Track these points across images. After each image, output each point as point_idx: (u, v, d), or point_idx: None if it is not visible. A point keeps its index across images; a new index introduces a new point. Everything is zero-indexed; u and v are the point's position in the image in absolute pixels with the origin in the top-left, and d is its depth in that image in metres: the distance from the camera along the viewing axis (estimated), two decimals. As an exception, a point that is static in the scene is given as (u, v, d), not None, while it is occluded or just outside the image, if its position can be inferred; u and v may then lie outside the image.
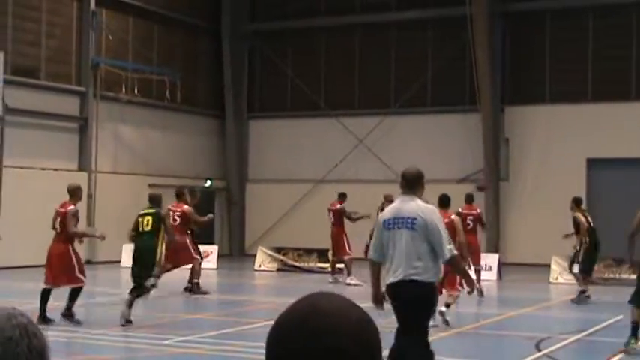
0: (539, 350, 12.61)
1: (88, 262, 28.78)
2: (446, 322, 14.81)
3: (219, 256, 29.20)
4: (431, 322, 13.56)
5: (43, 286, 14.91)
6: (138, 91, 31.23)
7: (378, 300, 8.75)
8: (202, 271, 21.48)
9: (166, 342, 13.20)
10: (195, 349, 12.70)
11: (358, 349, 1.60)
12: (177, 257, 19.18)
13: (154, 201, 15.99)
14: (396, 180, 36.59)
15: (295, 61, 35.59)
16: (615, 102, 30.58)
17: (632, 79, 30.70)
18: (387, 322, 14.29)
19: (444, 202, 15.54)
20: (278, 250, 28.37)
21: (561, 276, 24.11)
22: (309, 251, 27.65)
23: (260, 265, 27.88)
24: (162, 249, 15.39)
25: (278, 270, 27.27)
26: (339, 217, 23.60)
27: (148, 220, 15.39)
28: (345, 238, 23.31)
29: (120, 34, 31.40)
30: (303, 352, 1.59)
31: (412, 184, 8.67)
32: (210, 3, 35.38)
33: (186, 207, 20.33)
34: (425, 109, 33.38)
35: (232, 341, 13.33)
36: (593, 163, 30.92)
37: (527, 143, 31.75)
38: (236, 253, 34.79)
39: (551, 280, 24.35)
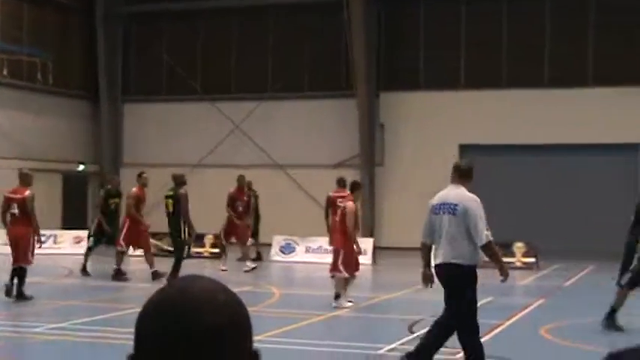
0: (412, 332, 12.81)
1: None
2: (350, 301, 15.37)
3: (93, 241, 28.58)
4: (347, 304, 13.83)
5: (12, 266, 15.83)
6: (7, 73, 30.36)
7: (425, 278, 9.72)
8: (74, 257, 21.08)
9: (37, 330, 12.90)
10: (67, 336, 12.45)
11: (227, 330, 1.59)
12: None
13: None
14: (272, 164, 36.55)
15: (171, 45, 35.19)
16: (487, 89, 31.29)
17: (503, 67, 31.45)
18: (263, 307, 14.25)
19: (351, 187, 16.57)
20: (153, 235, 27.99)
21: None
22: (163, 234, 27.31)
23: (135, 250, 27.44)
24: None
25: (154, 255, 26.89)
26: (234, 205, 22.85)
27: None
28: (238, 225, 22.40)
29: (-12, 13, 30.47)
30: (172, 335, 1.57)
31: (462, 175, 9.43)
32: (83, -17, 34.64)
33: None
34: (301, 94, 33.49)
35: (106, 327, 13.11)
36: (465, 149, 31.57)
37: (401, 129, 32.20)
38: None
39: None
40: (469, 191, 9.32)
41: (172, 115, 34.89)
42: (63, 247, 27.48)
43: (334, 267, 15.55)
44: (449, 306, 9.38)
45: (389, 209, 31.97)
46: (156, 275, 19.47)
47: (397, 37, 32.63)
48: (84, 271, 20.63)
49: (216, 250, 25.77)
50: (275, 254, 26.23)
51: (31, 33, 32.28)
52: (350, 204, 15.89)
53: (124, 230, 20.36)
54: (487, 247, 9.18)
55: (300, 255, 26.09)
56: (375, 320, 15.08)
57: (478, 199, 9.29)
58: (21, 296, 15.69)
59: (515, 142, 30.80)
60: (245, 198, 22.51)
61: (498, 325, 13.55)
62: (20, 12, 32.01)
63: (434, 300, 18.19)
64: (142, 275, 21.25)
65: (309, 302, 16.92)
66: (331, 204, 20.54)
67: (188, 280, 1.67)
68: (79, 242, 27.57)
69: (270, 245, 26.17)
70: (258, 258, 24.26)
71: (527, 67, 31.08)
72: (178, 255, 19.03)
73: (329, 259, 22.18)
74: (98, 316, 14.35)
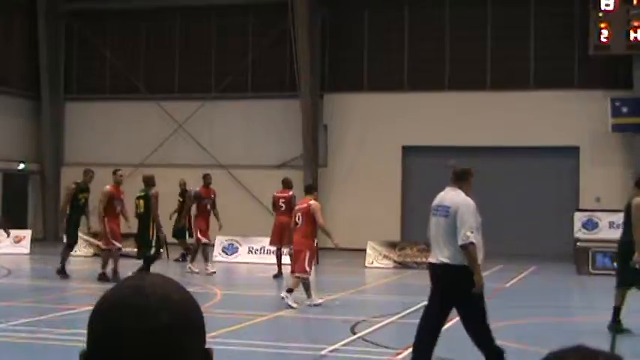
0: (355, 333, 12.90)
1: None
2: (289, 306, 15.18)
3: (33, 240, 28.35)
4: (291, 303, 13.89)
5: None
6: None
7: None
8: (13, 257, 20.84)
9: (-24, 330, 12.74)
10: (9, 337, 12.33)
11: (182, 328, 1.62)
12: None
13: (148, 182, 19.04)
14: (215, 164, 36.48)
15: (114, 43, 34.96)
16: (430, 91, 31.57)
17: (445, 69, 31.75)
18: (206, 307, 14.20)
19: (307, 189, 17.04)
20: (94, 235, 27.79)
21: (377, 260, 24.78)
22: (124, 236, 27.17)
23: (76, 251, 27.23)
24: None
25: (94, 255, 26.74)
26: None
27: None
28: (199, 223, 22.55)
29: None
30: (125, 333, 1.60)
31: (458, 178, 9.63)
32: (25, -21, 34.24)
33: None
34: (245, 95, 33.49)
35: (48, 329, 13.00)
36: (408, 150, 31.82)
37: (345, 130, 32.35)
38: (50, 238, 33.90)
39: (366, 264, 24.95)
40: (467, 192, 9.50)
41: (115, 114, 34.65)
42: (2, 246, 27.12)
43: (300, 268, 15.83)
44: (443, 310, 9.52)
45: (331, 210, 32.00)
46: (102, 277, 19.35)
47: (341, 39, 32.76)
48: (62, 272, 20.07)
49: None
50: (218, 254, 26.19)
51: (-29, 29, 31.85)
52: (314, 202, 16.28)
53: (110, 229, 19.66)
54: (464, 248, 9.23)
55: (242, 255, 26.08)
56: (318, 321, 15.16)
57: (470, 202, 9.39)
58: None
59: (457, 144, 31.08)
60: (212, 195, 22.58)
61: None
62: (-40, 8, 31.58)
63: (377, 301, 18.35)
64: (83, 275, 21.10)
65: (252, 303, 16.94)
66: (274, 204, 20.99)
67: (142, 278, 1.68)
68: (19, 242, 27.29)
69: (212, 245, 26.12)
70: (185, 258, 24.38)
71: (470, 71, 31.42)
72: (147, 254, 19.15)
73: (271, 260, 22.35)
74: (38, 317, 14.22)
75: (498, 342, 9.62)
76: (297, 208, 16.76)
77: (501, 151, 30.93)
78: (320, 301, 16.02)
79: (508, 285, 21.17)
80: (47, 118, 34.56)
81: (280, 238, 20.70)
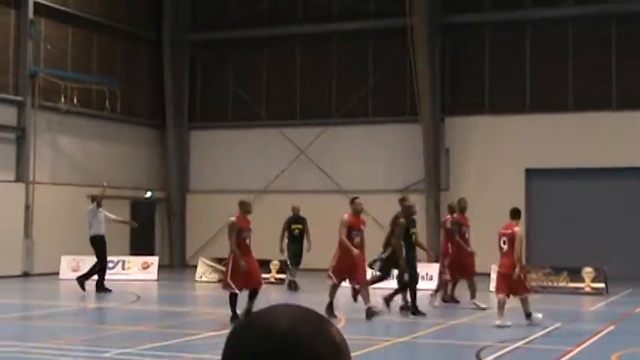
0: (479, 359, 12.67)
1: (26, 274, 28.45)
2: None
3: (160, 267, 28.94)
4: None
5: None
6: (77, 101, 30.89)
7: None
8: (142, 283, 21.24)
9: (106, 355, 13.02)
10: (135, 361, 12.55)
11: (325, 349, 1.60)
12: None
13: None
14: (337, 190, 36.66)
15: (236, 71, 35.51)
16: (553, 113, 31.00)
17: (568, 91, 31.15)
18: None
19: (512, 214, 17.18)
20: (219, 260, 28.19)
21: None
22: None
23: (201, 277, 27.72)
24: None
25: (219, 281, 27.08)
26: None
27: None
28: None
29: (59, 42, 31.02)
30: (269, 354, 1.58)
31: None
32: (151, 12, 35.16)
33: None
34: (366, 120, 33.51)
35: (173, 353, 13.20)
36: (531, 174, 31.29)
37: (467, 153, 32.03)
38: (177, 265, 34.55)
39: (491, 288, 24.50)
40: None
41: (238, 141, 35.14)
42: (131, 272, 27.78)
43: (523, 289, 16.59)
44: None
45: (455, 234, 31.71)
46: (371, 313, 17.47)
47: (461, 61, 32.52)
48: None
49: (283, 276, 25.86)
50: (341, 280, 26.15)
51: (100, 62, 32.82)
52: (518, 229, 16.79)
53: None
54: None
55: (365, 280, 25.95)
56: (442, 347, 14.94)
57: None
58: None
59: (582, 165, 30.40)
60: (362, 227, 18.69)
61: (568, 352, 13.35)
62: (90, 42, 32.58)
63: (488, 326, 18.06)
64: (207, 301, 21.36)
65: (377, 328, 16.84)
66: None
67: (289, 306, 1.67)
68: (146, 268, 27.88)
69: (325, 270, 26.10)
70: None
71: (594, 90, 30.72)
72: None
73: (390, 284, 22.13)
74: (165, 342, 14.45)
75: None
76: (501, 232, 16.98)
77: (629, 171, 30.05)
78: (509, 323, 16.22)
79: (638, 310, 20.48)
80: (172, 146, 35.29)
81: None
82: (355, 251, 17.52)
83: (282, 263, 25.81)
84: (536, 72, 31.51)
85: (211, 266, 27.85)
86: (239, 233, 16.87)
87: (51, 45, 30.47)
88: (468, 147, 32.00)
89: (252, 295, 16.69)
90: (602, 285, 23.96)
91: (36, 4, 29.61)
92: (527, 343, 14.54)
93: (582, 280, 23.84)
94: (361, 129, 33.48)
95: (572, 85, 31.08)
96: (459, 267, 20.24)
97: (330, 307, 17.36)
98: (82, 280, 22.88)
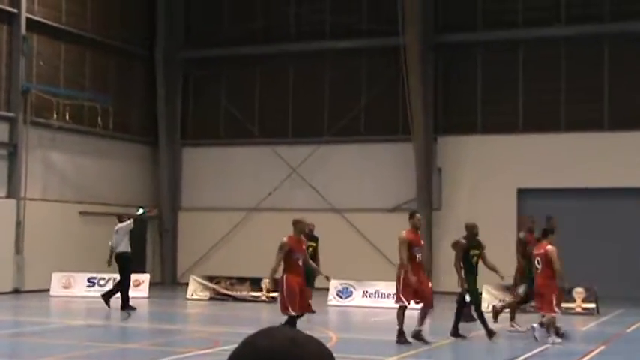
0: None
1: (17, 291, 28.33)
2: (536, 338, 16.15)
3: (151, 284, 28.87)
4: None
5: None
6: (69, 118, 30.86)
7: None
8: (134, 300, 21.20)
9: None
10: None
11: None
12: None
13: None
14: (329, 209, 36.57)
15: (229, 89, 35.54)
16: (545, 133, 31.08)
17: (561, 111, 31.24)
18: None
19: (543, 234, 17.34)
20: (210, 278, 28.18)
21: (491, 304, 24.24)
22: (241, 280, 27.52)
23: (192, 294, 27.65)
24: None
25: (210, 299, 27.07)
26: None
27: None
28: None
29: (51, 59, 31.01)
30: None
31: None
32: (144, 29, 35.19)
33: None
34: (358, 139, 33.53)
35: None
36: (523, 193, 31.33)
37: (459, 173, 32.07)
38: (168, 282, 34.47)
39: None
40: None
41: (230, 159, 35.14)
42: (122, 290, 27.64)
43: (549, 308, 16.44)
44: None
45: (446, 253, 31.67)
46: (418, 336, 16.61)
47: (454, 81, 32.60)
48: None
49: (276, 294, 25.79)
50: (332, 298, 26.18)
51: (92, 79, 32.79)
52: (551, 247, 16.84)
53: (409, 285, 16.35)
54: None
55: (357, 299, 26.00)
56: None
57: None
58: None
59: (574, 185, 30.48)
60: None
61: (559, 372, 13.33)
62: (83, 58, 32.58)
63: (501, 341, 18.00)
64: (198, 319, 21.26)
65: (368, 347, 16.81)
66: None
67: (288, 330, 1.72)
68: (138, 285, 27.79)
69: (327, 289, 26.13)
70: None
71: (587, 110, 30.82)
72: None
73: (387, 303, 22.13)
74: (157, 359, 14.38)
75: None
76: (534, 252, 17.08)
77: (620, 192, 30.13)
78: (559, 340, 16.36)
79: (629, 330, 20.49)
80: (164, 163, 35.25)
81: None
82: (413, 279, 16.09)
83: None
84: (529, 92, 31.60)
85: (202, 284, 27.80)
86: (289, 254, 15.68)
87: (43, 61, 30.47)
88: (460, 166, 32.04)
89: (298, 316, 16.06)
90: (593, 305, 23.99)
91: (29, 20, 29.61)
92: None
93: (573, 300, 23.85)
94: (354, 147, 33.51)
95: (564, 105, 31.18)
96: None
97: (401, 334, 16.20)
98: (107, 297, 23.51)
